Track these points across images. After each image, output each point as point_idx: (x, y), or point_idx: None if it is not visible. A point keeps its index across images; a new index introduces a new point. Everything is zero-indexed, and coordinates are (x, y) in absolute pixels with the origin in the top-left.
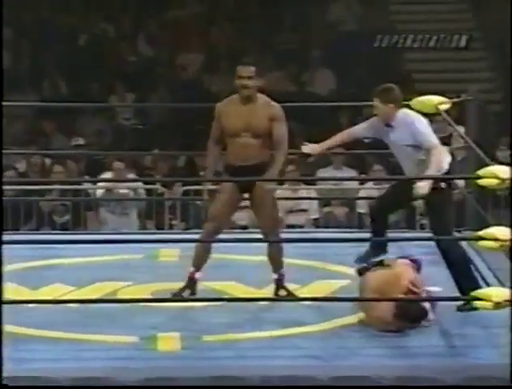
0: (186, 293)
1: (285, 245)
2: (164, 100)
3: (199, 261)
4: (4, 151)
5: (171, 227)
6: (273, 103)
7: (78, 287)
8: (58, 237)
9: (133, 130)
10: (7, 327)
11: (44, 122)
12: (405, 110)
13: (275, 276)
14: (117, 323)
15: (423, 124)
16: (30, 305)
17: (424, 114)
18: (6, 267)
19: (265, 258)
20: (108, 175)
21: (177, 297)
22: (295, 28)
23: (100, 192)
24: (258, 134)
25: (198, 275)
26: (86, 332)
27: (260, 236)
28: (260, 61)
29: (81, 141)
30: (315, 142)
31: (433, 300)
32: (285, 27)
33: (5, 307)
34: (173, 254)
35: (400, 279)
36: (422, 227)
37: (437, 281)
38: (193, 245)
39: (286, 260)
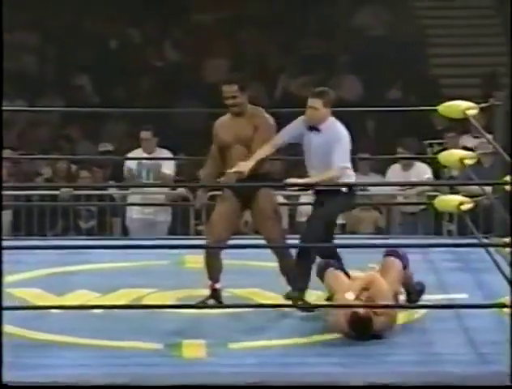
0: (211, 303)
1: None
2: (190, 105)
3: (214, 273)
4: (29, 157)
5: (197, 233)
6: (260, 113)
7: (104, 293)
8: (84, 242)
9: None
10: (32, 333)
11: (70, 128)
12: (332, 117)
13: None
14: (142, 330)
15: (345, 142)
16: (54, 310)
17: (452, 120)
18: (32, 273)
19: None
20: (139, 150)
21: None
22: (321, 33)
23: (131, 164)
24: (247, 145)
25: (217, 285)
26: (110, 339)
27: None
28: (286, 66)
29: (109, 147)
30: None
31: (456, 307)
32: (312, 31)
33: (30, 313)
34: (199, 261)
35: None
36: (449, 233)
37: (464, 288)
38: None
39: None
